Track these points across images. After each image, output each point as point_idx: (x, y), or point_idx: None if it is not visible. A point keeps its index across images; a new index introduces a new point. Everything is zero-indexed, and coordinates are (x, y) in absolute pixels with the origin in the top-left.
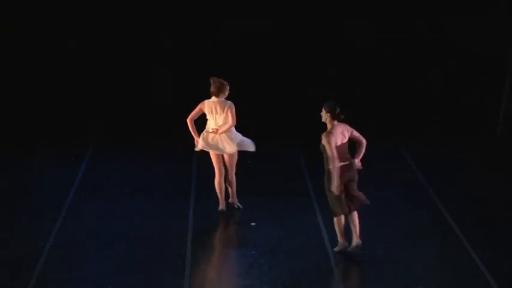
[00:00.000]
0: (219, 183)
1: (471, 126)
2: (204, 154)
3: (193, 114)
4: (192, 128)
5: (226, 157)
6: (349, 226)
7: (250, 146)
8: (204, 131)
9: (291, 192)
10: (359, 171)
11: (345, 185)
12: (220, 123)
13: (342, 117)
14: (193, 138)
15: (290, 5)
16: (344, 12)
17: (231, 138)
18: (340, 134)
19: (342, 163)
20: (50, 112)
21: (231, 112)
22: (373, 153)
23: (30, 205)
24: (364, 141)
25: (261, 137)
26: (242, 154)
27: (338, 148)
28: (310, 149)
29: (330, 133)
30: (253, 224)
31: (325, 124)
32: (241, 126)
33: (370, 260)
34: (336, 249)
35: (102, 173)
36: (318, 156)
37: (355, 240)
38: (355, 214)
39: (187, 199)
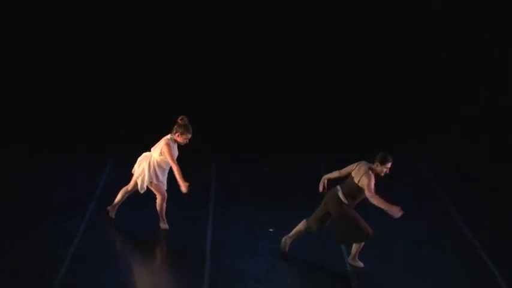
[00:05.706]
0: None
1: (490, 134)
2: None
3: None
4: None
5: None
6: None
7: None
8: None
9: (309, 198)
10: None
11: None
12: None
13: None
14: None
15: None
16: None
17: None
18: None
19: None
20: (77, 119)
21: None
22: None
23: (53, 211)
24: None
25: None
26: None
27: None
28: (331, 156)
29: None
30: (271, 230)
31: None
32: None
33: (386, 267)
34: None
35: (124, 181)
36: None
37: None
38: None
39: (206, 205)
